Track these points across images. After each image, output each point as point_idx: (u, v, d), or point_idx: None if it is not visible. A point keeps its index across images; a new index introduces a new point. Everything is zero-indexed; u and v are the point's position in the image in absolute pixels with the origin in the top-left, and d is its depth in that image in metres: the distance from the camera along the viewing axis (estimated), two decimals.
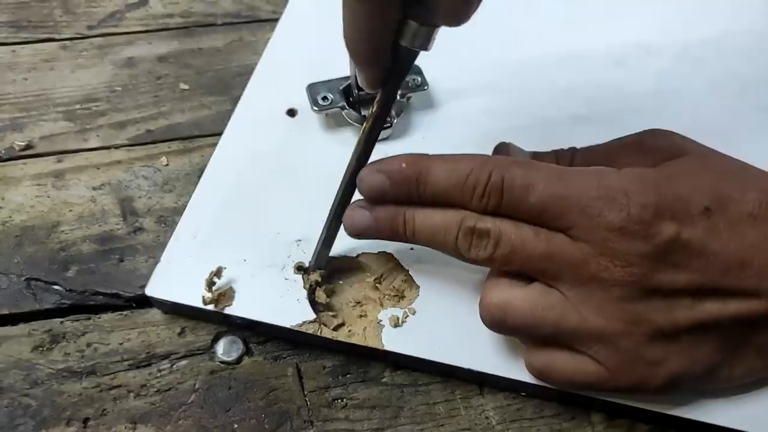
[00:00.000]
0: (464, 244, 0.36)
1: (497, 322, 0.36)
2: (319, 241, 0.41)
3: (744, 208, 0.34)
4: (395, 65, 0.37)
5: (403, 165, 0.37)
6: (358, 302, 0.41)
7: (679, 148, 0.37)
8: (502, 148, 0.40)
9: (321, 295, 0.40)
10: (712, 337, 0.34)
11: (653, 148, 0.38)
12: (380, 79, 0.37)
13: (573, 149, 0.40)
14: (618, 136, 0.40)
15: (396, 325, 0.40)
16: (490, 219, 0.35)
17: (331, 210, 0.40)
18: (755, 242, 0.33)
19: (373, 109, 0.38)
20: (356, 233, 0.39)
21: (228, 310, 0.40)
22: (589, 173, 0.35)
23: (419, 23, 0.34)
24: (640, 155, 0.38)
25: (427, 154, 0.37)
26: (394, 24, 0.34)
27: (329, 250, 0.41)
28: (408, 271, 0.42)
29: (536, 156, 0.40)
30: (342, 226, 0.39)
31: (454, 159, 0.36)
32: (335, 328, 0.40)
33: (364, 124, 0.39)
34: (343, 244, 0.43)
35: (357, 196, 0.39)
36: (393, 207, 0.38)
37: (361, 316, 0.41)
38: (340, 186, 0.39)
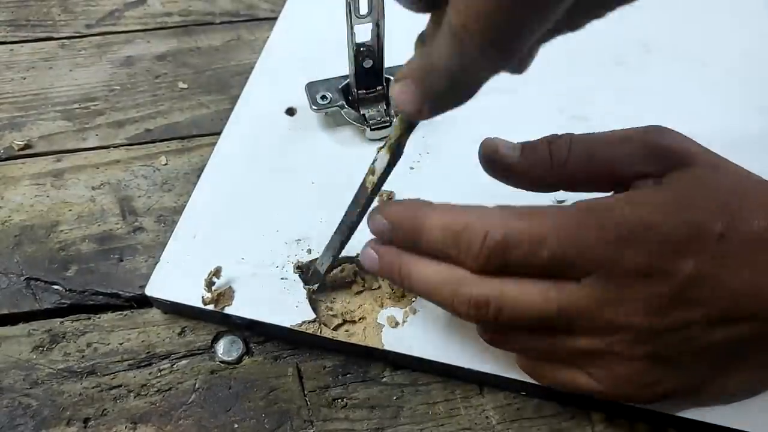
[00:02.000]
0: (461, 310, 0.34)
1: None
2: (324, 255, 0.40)
3: (752, 229, 0.32)
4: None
5: (401, 215, 0.35)
6: (358, 302, 0.41)
7: (685, 153, 0.35)
8: (488, 145, 0.38)
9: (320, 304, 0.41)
10: (712, 357, 0.34)
11: (658, 149, 0.36)
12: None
13: (569, 136, 0.37)
14: None
15: (396, 325, 0.40)
16: (487, 283, 0.33)
17: (339, 232, 0.39)
18: (763, 265, 0.32)
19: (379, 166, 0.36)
20: (368, 270, 0.38)
21: (228, 310, 0.40)
22: (601, 211, 0.32)
23: None
24: (644, 154, 0.36)
25: (427, 203, 0.36)
26: None
27: (334, 268, 0.41)
28: None
29: (527, 147, 0.38)
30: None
31: (450, 212, 0.34)
32: (335, 328, 0.40)
33: (370, 178, 0.37)
34: None
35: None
36: (395, 252, 0.36)
37: (361, 316, 0.41)
38: (347, 214, 0.39)
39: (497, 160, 0.37)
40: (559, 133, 0.43)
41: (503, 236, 0.32)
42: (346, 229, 0.39)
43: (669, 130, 0.37)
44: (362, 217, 0.37)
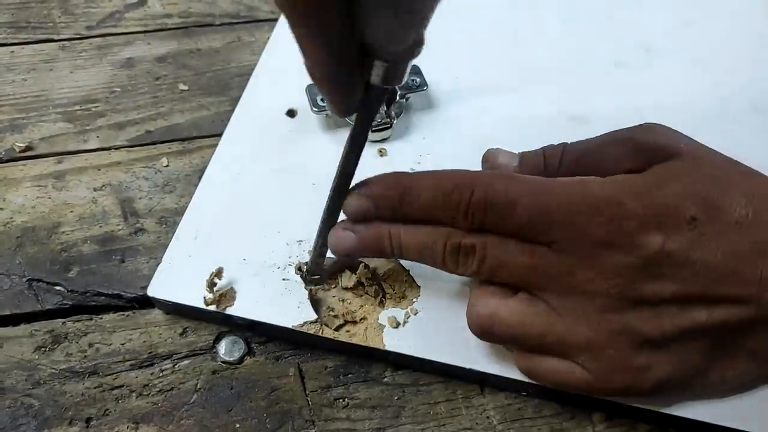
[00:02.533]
0: (451, 260, 0.36)
1: (485, 332, 0.37)
2: (313, 249, 0.41)
3: (731, 216, 0.33)
4: (365, 102, 0.35)
5: (386, 186, 0.37)
6: (360, 303, 0.41)
7: (671, 148, 0.36)
8: (490, 155, 0.41)
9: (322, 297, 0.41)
10: (700, 343, 0.34)
11: (644, 146, 0.37)
12: (348, 110, 0.35)
13: (563, 144, 0.40)
14: None
15: (397, 326, 0.40)
16: (475, 235, 0.35)
17: (320, 223, 0.39)
18: (741, 250, 0.33)
19: (346, 146, 0.37)
20: (342, 254, 0.39)
21: (229, 311, 0.40)
22: (573, 184, 0.35)
23: (381, 60, 0.32)
24: (631, 152, 0.37)
25: (409, 172, 0.38)
26: (353, 62, 0.32)
27: (324, 259, 0.41)
28: (409, 271, 0.42)
29: (525, 156, 0.40)
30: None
31: (437, 176, 0.36)
32: (336, 329, 0.40)
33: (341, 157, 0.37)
34: None
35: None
36: (378, 225, 0.37)
37: (362, 316, 0.41)
38: (326, 204, 0.39)
39: (498, 169, 0.40)
40: (559, 133, 0.43)
41: (485, 193, 0.34)
42: (326, 216, 0.39)
43: (656, 126, 0.38)
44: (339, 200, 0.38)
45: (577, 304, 0.34)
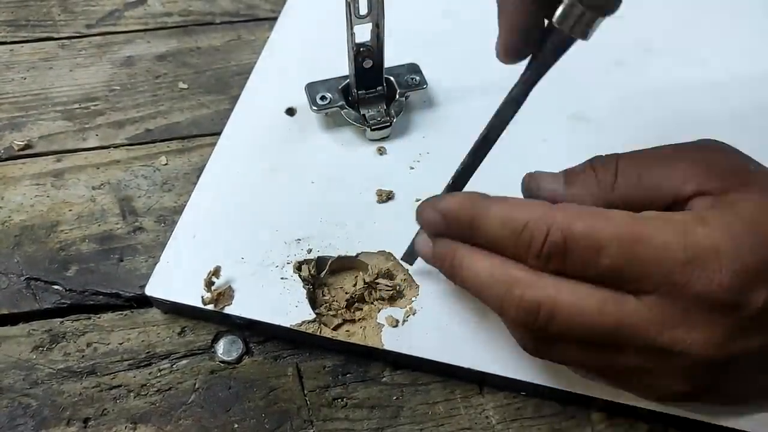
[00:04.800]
0: (510, 312, 0.32)
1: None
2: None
3: None
4: (545, 48, 0.32)
5: (460, 207, 0.34)
6: (358, 302, 0.41)
7: (743, 173, 0.33)
8: (531, 181, 0.37)
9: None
10: (759, 381, 0.33)
11: (716, 168, 0.33)
12: (513, 52, 0.33)
13: (615, 157, 0.35)
14: (619, 137, 0.39)
15: (395, 325, 0.40)
16: (542, 286, 0.31)
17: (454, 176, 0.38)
18: None
19: (510, 93, 0.35)
20: (422, 257, 0.37)
21: (227, 310, 0.40)
22: (673, 228, 0.30)
23: (583, 5, 0.29)
24: (702, 174, 0.33)
25: (486, 196, 0.34)
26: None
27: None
28: (408, 270, 0.42)
29: (571, 175, 0.36)
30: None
31: (509, 208, 0.32)
32: (335, 328, 0.40)
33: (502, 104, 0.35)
34: (344, 243, 0.43)
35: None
36: (449, 243, 0.35)
37: (361, 316, 0.41)
38: (466, 158, 0.37)
39: (542, 196, 0.35)
40: (559, 132, 0.43)
41: (564, 237, 0.30)
42: (472, 154, 0.37)
43: (723, 146, 0.35)
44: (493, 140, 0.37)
45: (657, 362, 0.31)
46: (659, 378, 0.32)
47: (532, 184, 0.36)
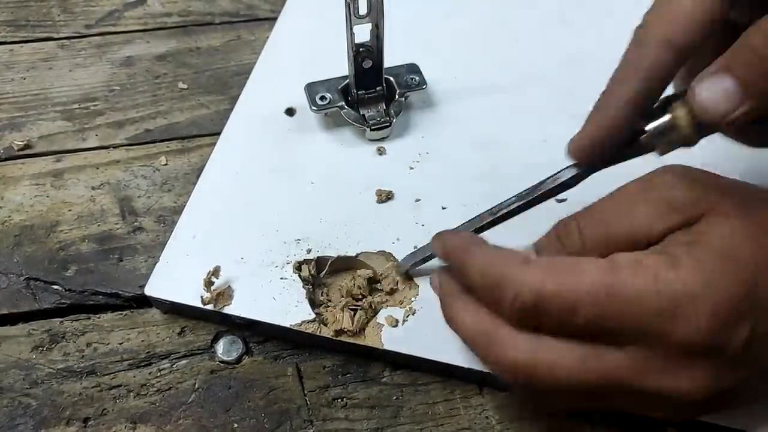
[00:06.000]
0: (494, 370, 0.32)
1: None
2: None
3: None
4: (618, 154, 0.33)
5: (451, 247, 0.34)
6: (358, 302, 0.41)
7: (708, 198, 0.32)
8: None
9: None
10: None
11: (678, 199, 0.32)
12: (593, 152, 0.33)
13: (575, 220, 0.34)
14: None
15: (395, 325, 0.40)
16: (522, 344, 0.31)
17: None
18: None
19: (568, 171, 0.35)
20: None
21: (227, 310, 0.40)
22: (644, 275, 0.29)
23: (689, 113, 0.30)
24: (665, 210, 0.32)
25: (477, 241, 0.34)
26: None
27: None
28: (407, 270, 0.42)
29: (538, 244, 0.35)
30: None
31: (490, 257, 0.32)
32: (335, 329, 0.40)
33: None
34: (343, 243, 0.43)
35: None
36: (448, 281, 0.35)
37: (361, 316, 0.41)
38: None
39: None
40: (559, 132, 0.43)
41: (534, 299, 0.30)
42: (497, 212, 0.38)
43: (681, 171, 0.33)
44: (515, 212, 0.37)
45: (645, 407, 0.32)
46: (657, 411, 0.32)
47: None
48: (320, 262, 0.42)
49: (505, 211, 0.37)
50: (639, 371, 0.30)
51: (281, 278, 0.41)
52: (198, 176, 0.47)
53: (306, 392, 0.39)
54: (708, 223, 0.31)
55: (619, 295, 0.29)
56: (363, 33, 0.45)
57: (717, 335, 0.29)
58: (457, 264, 0.33)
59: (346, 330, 0.40)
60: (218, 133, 0.49)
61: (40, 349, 0.40)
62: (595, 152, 0.34)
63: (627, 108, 0.33)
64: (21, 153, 0.49)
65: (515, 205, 0.37)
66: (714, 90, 0.29)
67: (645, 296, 0.29)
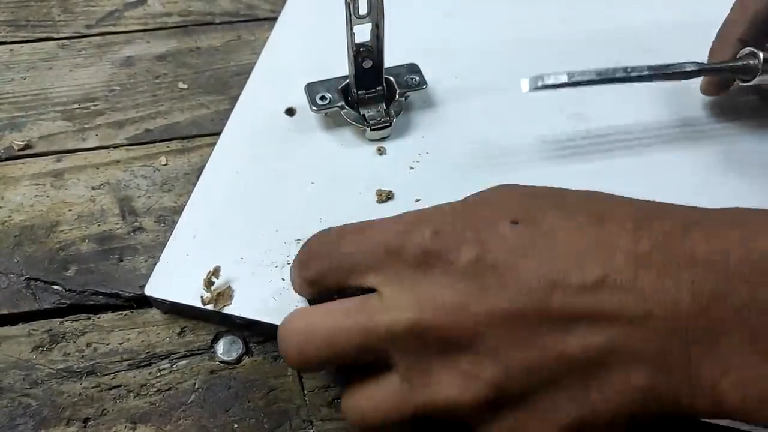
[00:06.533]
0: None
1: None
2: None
3: (552, 223, 0.30)
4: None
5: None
6: None
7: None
8: None
9: None
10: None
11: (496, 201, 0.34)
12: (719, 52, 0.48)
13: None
14: (619, 137, 0.39)
15: None
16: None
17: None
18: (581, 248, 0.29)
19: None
20: None
21: (227, 310, 0.40)
22: (394, 217, 0.33)
23: None
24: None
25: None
26: None
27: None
28: None
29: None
30: None
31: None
32: None
33: None
34: None
35: None
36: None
37: None
38: None
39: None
40: (559, 132, 0.43)
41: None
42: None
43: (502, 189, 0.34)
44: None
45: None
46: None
47: None
48: None
49: (636, 74, 0.44)
50: (389, 300, 0.31)
51: (281, 278, 0.41)
52: (198, 176, 0.47)
53: (306, 392, 0.39)
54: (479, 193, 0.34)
55: (372, 226, 0.33)
56: (363, 33, 0.45)
57: (442, 250, 0.30)
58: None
59: None
60: (218, 133, 0.49)
61: (40, 349, 0.40)
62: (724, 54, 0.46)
63: (739, 44, 0.46)
64: (21, 153, 0.49)
65: (645, 73, 0.44)
66: None
67: (389, 224, 0.33)
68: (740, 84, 0.46)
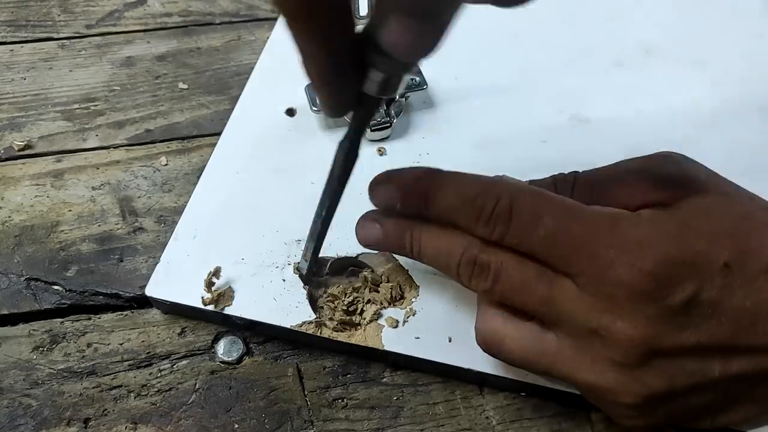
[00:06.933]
0: (465, 272, 0.35)
1: (492, 353, 0.36)
2: (303, 256, 0.41)
3: (762, 262, 0.31)
4: (358, 109, 0.34)
5: (413, 179, 0.36)
6: (359, 303, 0.41)
7: (693, 181, 0.34)
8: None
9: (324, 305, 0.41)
10: (708, 395, 0.32)
11: (666, 179, 0.34)
12: (337, 112, 0.34)
13: (574, 173, 0.37)
14: (619, 137, 0.40)
15: (396, 326, 0.40)
16: (493, 251, 0.34)
17: (311, 228, 0.39)
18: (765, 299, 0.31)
19: (339, 150, 0.36)
20: (367, 245, 0.38)
21: (228, 310, 0.40)
22: (604, 216, 0.32)
23: (378, 69, 0.30)
24: (651, 185, 0.34)
25: (439, 171, 0.36)
26: (344, 67, 0.30)
27: (315, 265, 0.41)
28: (408, 271, 0.42)
29: (534, 183, 0.38)
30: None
31: (464, 179, 0.35)
32: (335, 329, 0.40)
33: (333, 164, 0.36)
34: (344, 244, 0.43)
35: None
36: (402, 222, 0.36)
37: (361, 316, 0.41)
38: (318, 210, 0.38)
39: None
40: (559, 132, 0.43)
41: (510, 203, 0.32)
42: (318, 225, 0.38)
43: (675, 156, 0.36)
44: (333, 207, 0.38)
45: (589, 347, 0.32)
46: (597, 364, 0.32)
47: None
48: (320, 262, 0.42)
49: (322, 207, 0.38)
50: (584, 302, 0.31)
51: (282, 279, 0.41)
52: (198, 176, 0.47)
53: (306, 393, 0.39)
54: (686, 201, 0.33)
55: (578, 221, 0.32)
56: None
57: (659, 281, 0.30)
58: (423, 192, 0.35)
59: (345, 330, 0.40)
60: (218, 133, 0.49)
61: (41, 349, 0.40)
62: (339, 111, 0.35)
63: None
64: (21, 153, 0.49)
65: (326, 199, 0.37)
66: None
67: (600, 228, 0.31)
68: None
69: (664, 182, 0.34)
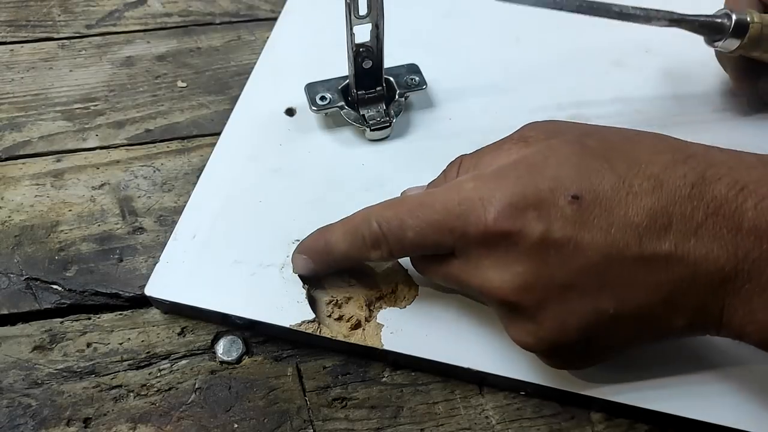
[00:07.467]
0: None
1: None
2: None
3: (617, 192, 0.31)
4: None
5: (310, 241, 0.39)
6: (358, 302, 0.41)
7: (547, 131, 0.35)
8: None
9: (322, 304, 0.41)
10: (613, 331, 0.33)
11: (526, 136, 0.36)
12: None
13: (461, 157, 0.39)
14: None
15: (395, 325, 0.40)
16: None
17: None
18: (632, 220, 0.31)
19: None
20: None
21: (227, 310, 0.40)
22: (450, 189, 0.34)
23: None
24: (513, 144, 0.36)
25: (327, 225, 0.39)
26: None
27: None
28: (407, 271, 0.42)
29: (431, 183, 0.40)
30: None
31: (346, 219, 0.38)
32: (334, 329, 0.40)
33: None
34: None
35: None
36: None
37: (361, 316, 0.41)
38: None
39: None
40: None
41: (378, 224, 0.35)
42: None
43: (544, 121, 0.37)
44: None
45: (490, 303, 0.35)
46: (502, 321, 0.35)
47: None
48: None
49: (604, 11, 0.43)
50: (466, 271, 0.34)
51: (282, 278, 0.41)
52: (198, 176, 0.47)
53: (306, 392, 0.39)
54: (527, 150, 0.35)
55: (432, 206, 0.34)
56: (363, 33, 0.45)
57: (505, 223, 0.32)
58: (322, 248, 0.39)
59: (345, 330, 0.40)
60: (218, 133, 0.49)
61: (41, 349, 0.40)
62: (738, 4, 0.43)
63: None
64: (21, 153, 0.49)
65: (614, 10, 0.43)
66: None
67: (449, 204, 0.33)
68: (714, 49, 0.45)
69: (524, 138, 0.36)
